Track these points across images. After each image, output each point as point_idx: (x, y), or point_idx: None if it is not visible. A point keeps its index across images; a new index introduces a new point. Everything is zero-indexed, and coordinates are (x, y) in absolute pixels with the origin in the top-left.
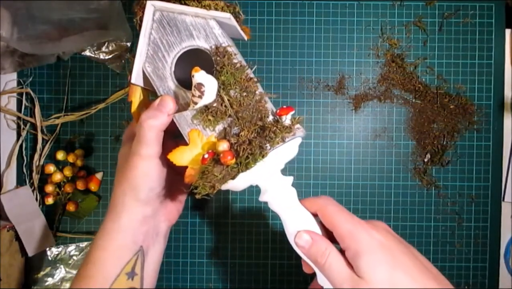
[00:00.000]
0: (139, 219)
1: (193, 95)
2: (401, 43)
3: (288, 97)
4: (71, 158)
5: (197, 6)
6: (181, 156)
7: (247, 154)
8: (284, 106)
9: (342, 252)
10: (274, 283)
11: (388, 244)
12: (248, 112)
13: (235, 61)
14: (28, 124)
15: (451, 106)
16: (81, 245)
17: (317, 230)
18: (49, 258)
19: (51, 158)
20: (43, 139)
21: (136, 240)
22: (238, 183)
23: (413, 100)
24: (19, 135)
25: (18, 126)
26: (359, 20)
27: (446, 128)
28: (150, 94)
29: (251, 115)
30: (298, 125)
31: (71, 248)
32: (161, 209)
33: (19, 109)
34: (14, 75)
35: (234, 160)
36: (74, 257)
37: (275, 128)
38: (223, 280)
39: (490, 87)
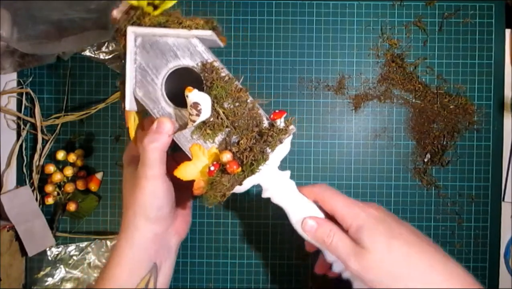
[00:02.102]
0: (151, 237)
1: (190, 114)
2: (401, 43)
3: (288, 97)
4: (71, 158)
5: (178, 28)
6: (187, 171)
7: (251, 161)
8: (277, 110)
9: (344, 232)
10: (274, 283)
11: (384, 218)
12: (244, 120)
13: (223, 74)
14: (28, 124)
15: (451, 106)
16: (81, 245)
17: (320, 214)
18: (49, 258)
19: (51, 158)
20: (43, 139)
21: (149, 257)
22: (243, 186)
23: (413, 100)
24: (19, 135)
25: (18, 126)
26: (359, 20)
27: (446, 128)
28: (143, 113)
29: (246, 123)
30: (292, 126)
31: (71, 248)
32: (171, 225)
33: (19, 109)
34: (14, 75)
35: (240, 168)
36: (74, 257)
37: (271, 132)
38: (223, 280)
39: (490, 87)
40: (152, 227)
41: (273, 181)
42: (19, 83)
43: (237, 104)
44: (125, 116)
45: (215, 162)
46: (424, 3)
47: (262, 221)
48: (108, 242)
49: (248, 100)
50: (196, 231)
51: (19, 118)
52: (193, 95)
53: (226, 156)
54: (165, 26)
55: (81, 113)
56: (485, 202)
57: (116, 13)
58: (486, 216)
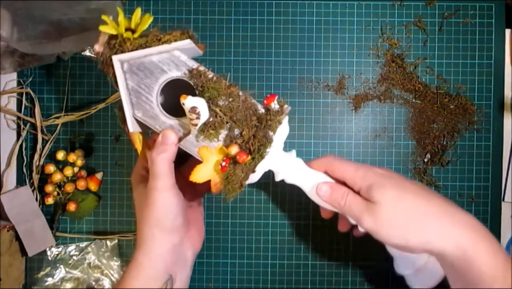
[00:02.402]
0: (169, 248)
1: (190, 119)
2: (401, 43)
3: (288, 97)
4: (71, 158)
5: (158, 45)
6: (201, 174)
7: (258, 146)
8: (268, 96)
9: (356, 194)
10: (274, 283)
11: (390, 175)
12: (241, 113)
13: (210, 76)
14: (28, 124)
15: (451, 106)
16: (81, 245)
17: (332, 181)
18: (49, 258)
19: (51, 158)
20: (43, 139)
21: (166, 268)
22: (257, 174)
23: (413, 100)
24: (19, 135)
25: (18, 126)
26: (359, 20)
27: (446, 128)
28: (145, 133)
29: (244, 115)
30: (286, 105)
31: (71, 248)
32: (186, 237)
33: (19, 109)
34: (14, 75)
35: (250, 156)
36: (74, 257)
37: (269, 116)
38: (223, 280)
39: (490, 87)
40: (169, 238)
41: (282, 163)
42: (19, 83)
43: (230, 99)
44: (130, 138)
45: (225, 158)
46: (424, 3)
47: (262, 221)
48: (108, 242)
49: (240, 94)
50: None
51: (19, 118)
52: (189, 101)
53: (234, 149)
54: (146, 47)
55: (81, 113)
56: (485, 202)
57: (97, 47)
58: (486, 216)
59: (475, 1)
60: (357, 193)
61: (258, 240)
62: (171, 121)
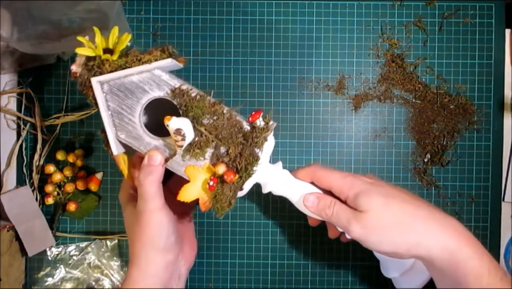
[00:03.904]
0: (164, 266)
1: (176, 141)
2: (401, 43)
3: (288, 97)
4: (71, 158)
5: (138, 65)
6: (189, 193)
7: (245, 165)
8: (253, 112)
9: (343, 203)
10: (274, 283)
11: (378, 182)
12: (226, 131)
13: (193, 94)
14: (28, 124)
15: (451, 106)
16: (81, 245)
17: (319, 191)
18: (49, 258)
19: (51, 158)
20: (43, 139)
21: (161, 285)
22: (244, 190)
23: (413, 100)
24: (19, 135)
25: (18, 126)
26: (359, 20)
27: (446, 128)
28: (129, 153)
29: (229, 132)
30: (271, 122)
31: (71, 248)
32: (180, 253)
33: (19, 109)
34: (14, 75)
35: (237, 175)
36: (74, 257)
37: (255, 133)
38: (223, 280)
39: (490, 87)
40: (163, 257)
41: (268, 176)
42: (19, 83)
43: (215, 117)
44: (115, 160)
45: (212, 177)
46: (424, 3)
47: (262, 221)
48: (108, 242)
49: (224, 111)
50: (196, 231)
51: (19, 118)
52: (173, 122)
53: (221, 168)
54: (126, 67)
55: (81, 113)
56: (485, 202)
57: (75, 68)
58: (486, 216)
59: (475, 1)
60: (344, 202)
61: (258, 240)
62: (156, 141)
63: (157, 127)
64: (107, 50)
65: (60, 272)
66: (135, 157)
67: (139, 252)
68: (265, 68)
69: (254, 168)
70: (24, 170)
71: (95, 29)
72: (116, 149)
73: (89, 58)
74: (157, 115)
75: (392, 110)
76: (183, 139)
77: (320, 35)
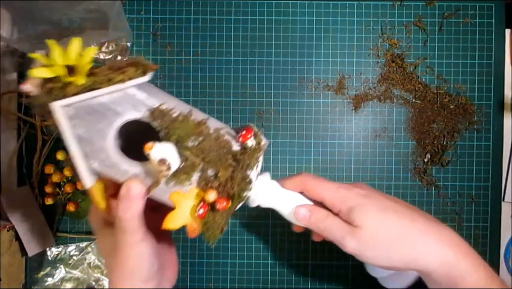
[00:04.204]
0: None
1: (160, 171)
2: (401, 43)
3: (288, 97)
4: None
5: (109, 85)
6: (175, 220)
7: (238, 192)
8: (243, 132)
9: (336, 215)
10: (274, 283)
11: (372, 195)
12: (214, 152)
13: (175, 115)
14: (28, 124)
15: (451, 106)
16: (81, 245)
17: (309, 203)
18: (49, 258)
19: (51, 158)
20: (43, 139)
21: None
22: (236, 209)
23: (413, 100)
24: (19, 135)
25: (18, 126)
26: (359, 20)
27: (446, 128)
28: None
29: (217, 154)
30: (263, 141)
31: (71, 248)
32: (163, 276)
33: (19, 109)
34: (14, 75)
35: (230, 202)
36: (74, 257)
37: (246, 154)
38: (223, 280)
39: (490, 87)
40: (145, 285)
41: (257, 190)
42: (19, 83)
43: (201, 138)
44: (88, 192)
45: (202, 203)
46: (424, 3)
47: (262, 221)
48: None
49: (211, 131)
50: None
51: (19, 118)
52: (155, 152)
53: (212, 196)
54: (94, 89)
55: None
56: (485, 202)
57: (29, 87)
58: (486, 216)
59: (475, 1)
60: (336, 214)
61: (258, 240)
62: (135, 168)
63: (136, 151)
64: (69, 69)
65: (60, 272)
66: (111, 182)
67: (120, 283)
68: (265, 68)
69: (247, 193)
70: (24, 170)
71: (51, 42)
72: (88, 182)
73: (46, 80)
74: (136, 135)
75: (392, 110)
76: (169, 169)
77: (320, 35)
